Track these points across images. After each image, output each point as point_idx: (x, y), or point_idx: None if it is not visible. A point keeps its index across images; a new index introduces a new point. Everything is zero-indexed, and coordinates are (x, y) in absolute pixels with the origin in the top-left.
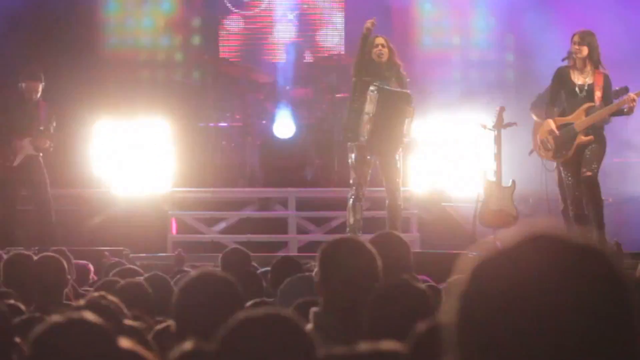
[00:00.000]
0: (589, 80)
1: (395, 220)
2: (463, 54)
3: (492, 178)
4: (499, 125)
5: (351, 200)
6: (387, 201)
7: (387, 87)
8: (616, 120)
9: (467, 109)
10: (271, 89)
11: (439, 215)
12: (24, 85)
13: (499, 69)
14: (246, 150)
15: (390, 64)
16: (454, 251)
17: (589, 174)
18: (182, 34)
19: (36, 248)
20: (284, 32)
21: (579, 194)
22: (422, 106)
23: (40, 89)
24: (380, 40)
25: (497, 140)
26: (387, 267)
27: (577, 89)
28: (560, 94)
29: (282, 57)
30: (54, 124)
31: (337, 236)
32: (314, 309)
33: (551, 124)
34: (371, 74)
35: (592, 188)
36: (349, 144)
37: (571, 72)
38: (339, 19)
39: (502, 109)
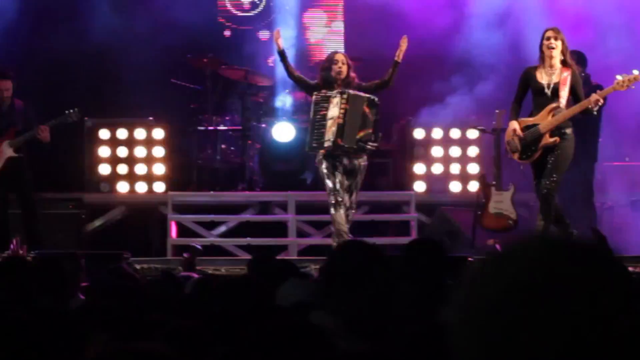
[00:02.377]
0: (555, 78)
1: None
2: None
3: (492, 181)
4: (499, 128)
5: (332, 209)
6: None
7: (354, 92)
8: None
9: (467, 112)
10: (271, 93)
11: (438, 218)
12: None
13: (495, 68)
14: (246, 154)
15: (347, 80)
16: (454, 254)
17: (546, 187)
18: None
19: (36, 251)
20: (283, 35)
21: None
22: (421, 108)
23: (11, 87)
24: (339, 57)
25: (497, 144)
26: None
27: (543, 88)
28: (525, 94)
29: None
30: (35, 121)
31: (348, 239)
32: (316, 311)
33: (514, 124)
34: (327, 89)
35: (546, 202)
36: (317, 157)
37: (538, 71)
38: (338, 22)
39: (501, 112)
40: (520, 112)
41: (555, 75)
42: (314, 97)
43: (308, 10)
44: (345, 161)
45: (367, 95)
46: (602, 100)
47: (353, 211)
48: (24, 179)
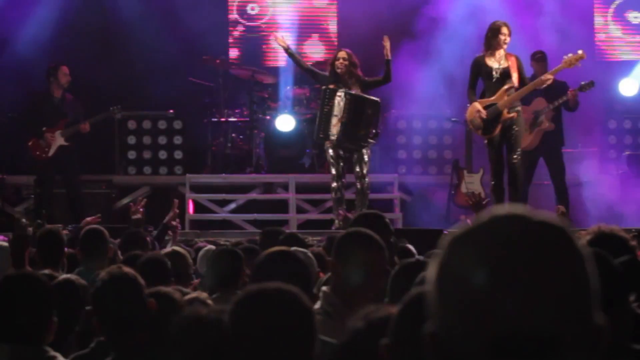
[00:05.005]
0: (503, 63)
1: (364, 201)
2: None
3: (464, 165)
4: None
5: (333, 193)
6: (357, 186)
7: (355, 93)
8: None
9: (443, 104)
10: (274, 89)
11: (418, 197)
12: (59, 73)
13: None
14: (252, 142)
15: (350, 74)
16: (431, 228)
17: (515, 160)
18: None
19: (73, 225)
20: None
21: (499, 168)
22: (403, 101)
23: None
24: (342, 54)
25: (468, 133)
26: None
27: (493, 72)
28: (477, 80)
29: (283, 61)
30: (82, 114)
31: (353, 229)
32: (324, 289)
33: (477, 105)
34: (335, 83)
35: (516, 172)
36: (325, 144)
37: (486, 58)
38: (332, 27)
39: None
40: (475, 96)
41: (502, 60)
42: (322, 89)
43: (306, 18)
44: (350, 145)
45: (371, 97)
46: (551, 79)
47: (366, 181)
48: (72, 165)
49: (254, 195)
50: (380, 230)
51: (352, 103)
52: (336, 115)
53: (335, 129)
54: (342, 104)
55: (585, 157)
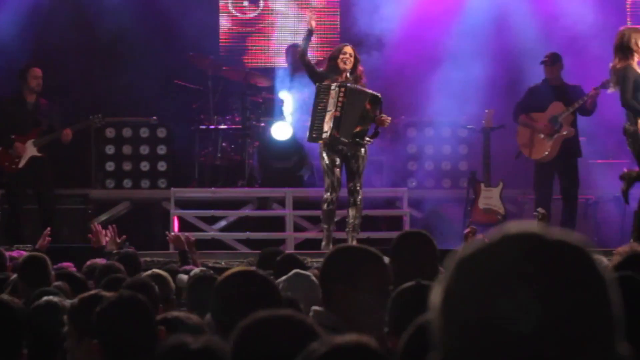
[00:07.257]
0: None
1: (355, 219)
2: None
3: (481, 178)
4: (488, 127)
5: (325, 205)
6: (349, 200)
7: (353, 85)
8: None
9: (457, 110)
10: (269, 93)
11: (430, 213)
12: (28, 76)
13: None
14: (245, 152)
15: (353, 74)
16: (445, 248)
17: None
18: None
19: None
20: (281, 39)
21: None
22: (412, 106)
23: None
24: (348, 49)
25: (486, 142)
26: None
27: None
28: None
29: (279, 62)
30: (59, 120)
31: (343, 245)
32: (314, 308)
33: None
34: (333, 79)
35: None
36: (319, 149)
37: (637, 68)
38: (333, 26)
39: (490, 112)
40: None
41: None
42: (316, 86)
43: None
44: (345, 150)
45: (371, 92)
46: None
47: (360, 196)
48: (45, 178)
49: (246, 211)
50: (427, 253)
51: (348, 96)
52: (330, 111)
53: (327, 125)
54: (335, 97)
55: (615, 168)
